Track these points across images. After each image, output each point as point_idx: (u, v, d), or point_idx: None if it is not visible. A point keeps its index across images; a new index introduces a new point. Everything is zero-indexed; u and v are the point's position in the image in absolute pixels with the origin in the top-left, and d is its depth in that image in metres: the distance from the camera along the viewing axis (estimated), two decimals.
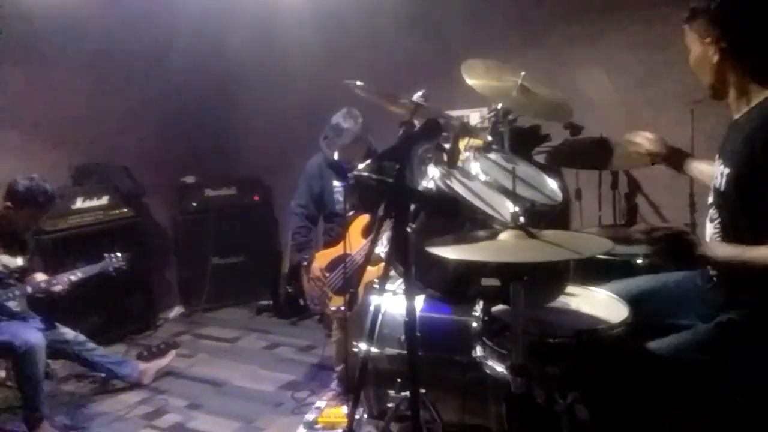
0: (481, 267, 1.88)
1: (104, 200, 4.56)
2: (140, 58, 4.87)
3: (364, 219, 3.23)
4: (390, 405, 2.22)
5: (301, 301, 4.99)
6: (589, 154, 2.79)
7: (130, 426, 3.34)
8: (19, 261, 3.42)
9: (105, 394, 3.73)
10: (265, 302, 5.13)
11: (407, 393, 2.17)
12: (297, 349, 4.32)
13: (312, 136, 3.72)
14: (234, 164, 5.55)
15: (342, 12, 4.66)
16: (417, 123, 1.98)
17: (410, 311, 1.85)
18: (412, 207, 1.88)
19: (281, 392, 3.63)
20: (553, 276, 2.08)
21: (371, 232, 3.07)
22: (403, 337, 2.13)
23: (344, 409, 3.21)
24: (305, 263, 3.49)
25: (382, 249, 2.74)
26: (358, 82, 2.02)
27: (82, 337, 3.58)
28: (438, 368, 2.20)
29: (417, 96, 2.04)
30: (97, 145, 4.71)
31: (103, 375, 3.74)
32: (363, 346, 2.10)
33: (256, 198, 5.42)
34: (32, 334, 3.20)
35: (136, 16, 4.68)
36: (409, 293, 1.86)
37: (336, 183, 3.50)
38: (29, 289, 3.35)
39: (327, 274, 3.36)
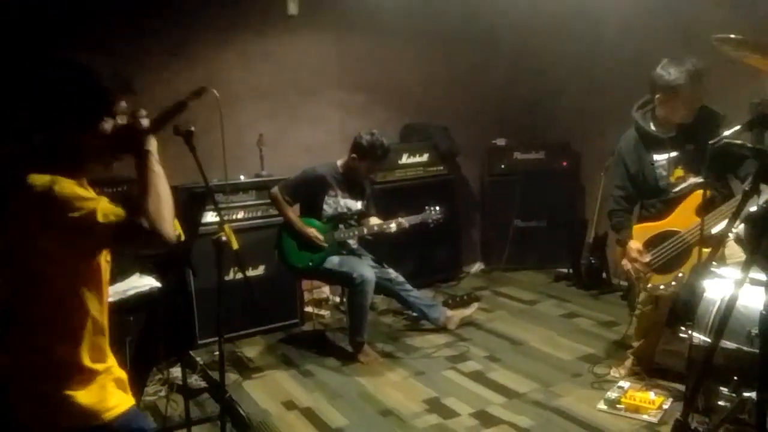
0: None
1: (425, 157, 4.98)
2: (460, 28, 5.13)
3: (700, 196, 2.86)
4: (721, 403, 2.01)
5: (604, 275, 4.84)
6: None
7: (436, 364, 3.66)
8: (358, 205, 3.96)
9: (415, 332, 4.15)
10: (564, 270, 5.05)
11: (746, 394, 1.94)
12: (597, 323, 4.17)
13: (628, 105, 3.41)
14: (544, 129, 5.50)
15: None
16: None
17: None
18: None
19: (579, 363, 3.57)
20: None
21: (708, 209, 2.73)
22: (752, 332, 1.88)
23: (651, 395, 3.01)
24: (622, 241, 3.28)
25: (724, 231, 2.42)
26: (732, 36, 1.76)
27: (401, 278, 4.01)
28: None
29: None
30: (421, 107, 5.14)
31: (415, 314, 4.15)
32: (697, 334, 1.92)
33: (564, 164, 5.30)
34: (366, 269, 3.71)
35: None
36: None
37: (656, 157, 3.14)
38: (365, 230, 3.87)
39: (645, 252, 3.10)
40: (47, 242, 1.43)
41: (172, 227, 1.48)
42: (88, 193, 1.47)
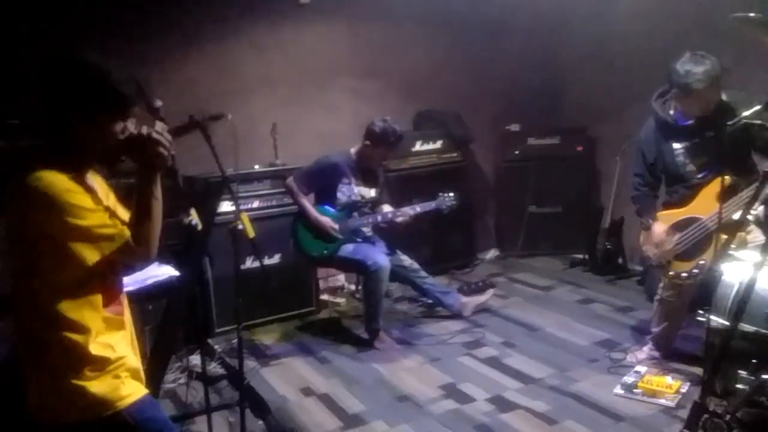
0: None
1: (438, 144, 4.97)
2: (471, 13, 5.07)
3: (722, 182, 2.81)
4: (740, 386, 2.00)
5: (620, 260, 4.81)
6: None
7: (452, 350, 3.67)
8: (372, 193, 3.96)
9: (430, 319, 4.16)
10: (579, 256, 5.02)
11: (765, 377, 1.93)
12: (613, 308, 4.15)
13: (643, 89, 3.32)
14: (559, 114, 5.45)
15: None
16: None
17: None
18: None
19: (595, 348, 3.56)
20: None
21: (730, 195, 2.69)
22: None
23: (668, 379, 3.00)
24: (644, 225, 3.25)
25: (742, 215, 2.39)
26: (752, 15, 1.72)
27: (416, 265, 4.02)
28: None
29: None
30: (434, 93, 5.11)
31: (430, 301, 4.17)
32: (715, 317, 1.91)
33: (579, 149, 5.26)
34: (380, 257, 3.72)
35: None
36: None
37: (676, 145, 3.11)
38: (379, 218, 3.88)
39: (670, 238, 3.07)
40: (46, 240, 1.46)
41: (156, 249, 1.57)
42: (91, 203, 1.50)
